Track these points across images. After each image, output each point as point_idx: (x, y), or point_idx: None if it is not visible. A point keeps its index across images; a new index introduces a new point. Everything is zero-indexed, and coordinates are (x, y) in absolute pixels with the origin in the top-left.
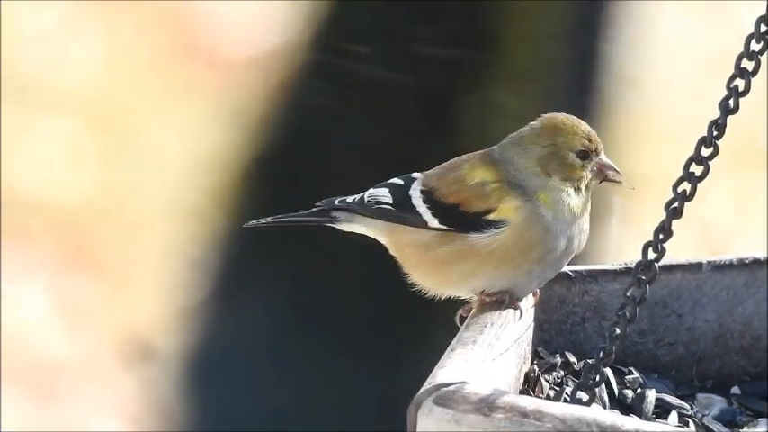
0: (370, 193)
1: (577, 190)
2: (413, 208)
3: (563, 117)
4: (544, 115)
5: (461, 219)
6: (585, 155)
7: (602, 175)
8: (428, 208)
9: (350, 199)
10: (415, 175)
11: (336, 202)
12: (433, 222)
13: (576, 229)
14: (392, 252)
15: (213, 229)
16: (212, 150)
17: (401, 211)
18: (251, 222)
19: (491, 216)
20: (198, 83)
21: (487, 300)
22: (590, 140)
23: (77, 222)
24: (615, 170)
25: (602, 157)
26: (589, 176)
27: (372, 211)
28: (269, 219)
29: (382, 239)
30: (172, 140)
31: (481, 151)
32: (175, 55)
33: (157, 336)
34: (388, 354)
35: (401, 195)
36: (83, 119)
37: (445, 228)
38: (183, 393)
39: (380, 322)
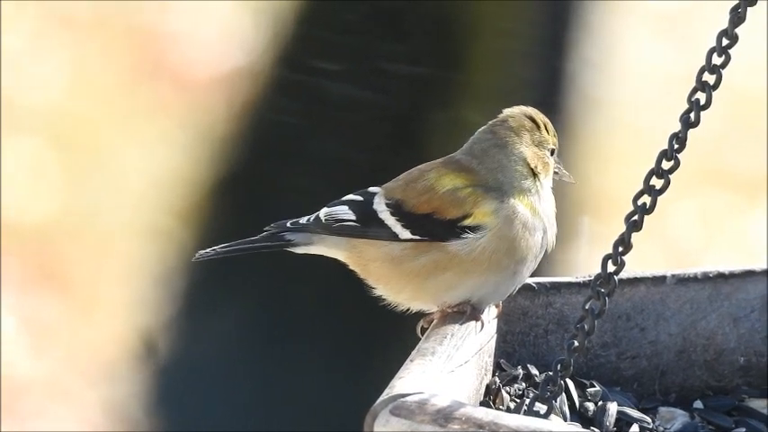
0: (327, 211)
1: (548, 188)
2: (381, 222)
3: (530, 111)
4: (507, 111)
5: (436, 227)
6: (553, 152)
7: (559, 174)
8: (397, 220)
9: (303, 220)
10: (372, 189)
11: (289, 224)
12: (405, 234)
13: (549, 223)
14: (355, 269)
15: (178, 248)
16: (177, 169)
17: (367, 227)
18: (200, 253)
19: (467, 221)
20: (163, 102)
21: (449, 311)
22: (555, 136)
23: (42, 241)
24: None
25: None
26: (556, 170)
27: (334, 229)
28: (218, 248)
29: (343, 257)
30: (137, 159)
31: (441, 159)
32: (140, 74)
33: (122, 354)
34: (355, 366)
35: (364, 211)
36: (48, 138)
37: (418, 238)
38: (148, 412)
39: (346, 335)
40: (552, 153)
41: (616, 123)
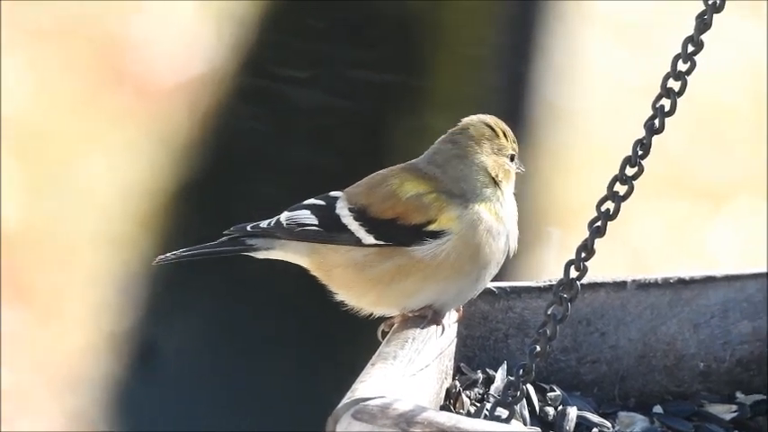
0: (288, 215)
1: (509, 194)
2: (344, 227)
3: (489, 120)
4: (466, 120)
5: (400, 233)
6: (513, 157)
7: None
8: (361, 225)
9: (264, 224)
10: (334, 193)
11: (249, 228)
12: (369, 239)
13: (511, 229)
14: (317, 274)
15: (141, 256)
16: (140, 177)
17: (330, 232)
18: (159, 258)
19: (432, 227)
20: (126, 110)
21: (410, 315)
22: (514, 141)
23: (5, 250)
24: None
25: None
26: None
27: (296, 233)
28: (178, 252)
29: (304, 262)
30: (100, 168)
31: (401, 165)
32: (103, 83)
33: (85, 365)
34: (316, 368)
35: (327, 215)
36: (9, 147)
37: (382, 243)
38: (112, 421)
39: (308, 336)
40: (512, 159)
41: (580, 132)
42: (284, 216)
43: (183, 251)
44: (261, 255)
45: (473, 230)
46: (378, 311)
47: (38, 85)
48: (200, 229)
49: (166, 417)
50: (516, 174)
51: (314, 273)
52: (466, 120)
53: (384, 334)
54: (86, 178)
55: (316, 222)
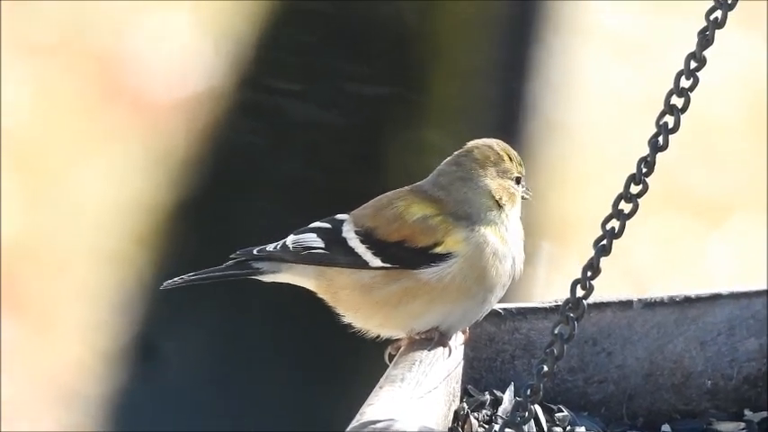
0: (294, 239)
1: (515, 217)
2: (351, 250)
3: (493, 143)
4: (471, 144)
5: (407, 255)
6: (519, 180)
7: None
8: (368, 248)
9: (270, 247)
10: (340, 216)
11: (255, 252)
12: (376, 262)
13: (517, 252)
14: (324, 297)
15: (137, 273)
16: (136, 193)
17: (336, 254)
18: (167, 283)
19: (438, 249)
20: (123, 126)
21: (417, 337)
22: (521, 165)
23: (2, 262)
24: (529, 193)
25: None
26: (521, 199)
27: (302, 256)
28: (185, 277)
29: (311, 285)
30: (96, 183)
31: (408, 187)
32: (100, 98)
33: (80, 379)
34: (321, 380)
35: (333, 238)
36: (7, 160)
37: (389, 266)
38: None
39: (312, 348)
40: (518, 181)
41: (575, 146)
42: (290, 239)
43: (191, 275)
44: (268, 278)
45: (479, 253)
46: (384, 333)
47: (35, 99)
48: (197, 245)
49: (165, 424)
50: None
51: (321, 296)
52: (471, 143)
53: (391, 357)
54: (83, 193)
55: (322, 245)
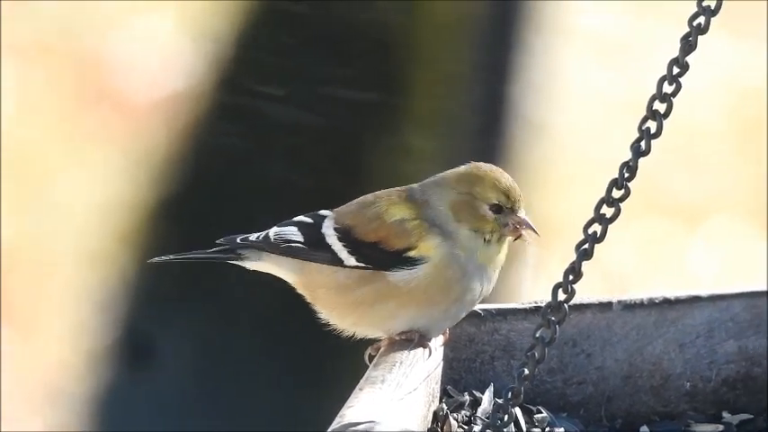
0: (276, 231)
1: (486, 241)
2: (327, 246)
3: (486, 168)
4: (472, 162)
5: (380, 257)
6: (499, 209)
7: (516, 233)
8: (344, 246)
9: (253, 236)
10: (323, 212)
11: (239, 240)
12: (350, 261)
13: (485, 275)
14: (303, 293)
15: (121, 273)
16: (119, 194)
17: (314, 250)
18: (155, 258)
19: (411, 253)
20: (105, 127)
21: (396, 338)
22: (507, 196)
23: None
24: (532, 229)
25: (521, 213)
26: (502, 230)
27: (282, 249)
28: (173, 256)
29: (290, 279)
30: (79, 184)
31: (399, 188)
32: (82, 100)
33: (66, 379)
34: (304, 385)
35: (313, 234)
36: None
37: (363, 266)
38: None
39: (293, 358)
40: (498, 210)
41: (557, 148)
42: (273, 231)
43: (178, 255)
44: (250, 265)
45: (447, 262)
46: (359, 333)
47: (17, 102)
48: (179, 244)
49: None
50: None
51: (300, 291)
52: (472, 162)
53: (371, 357)
54: (66, 194)
55: (301, 240)
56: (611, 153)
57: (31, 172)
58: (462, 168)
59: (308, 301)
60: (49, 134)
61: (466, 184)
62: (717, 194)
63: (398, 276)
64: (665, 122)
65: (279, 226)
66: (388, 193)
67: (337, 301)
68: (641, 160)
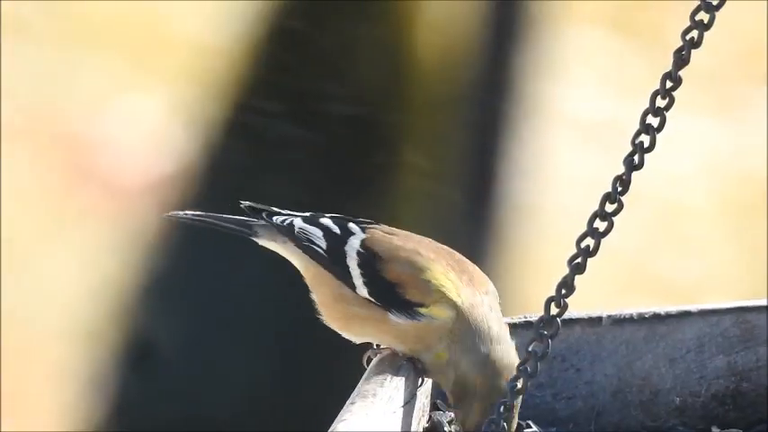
0: (302, 226)
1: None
2: (345, 266)
3: None
4: None
5: (392, 298)
6: None
7: None
8: (361, 273)
9: (279, 219)
10: (353, 227)
11: (263, 217)
12: (362, 291)
13: None
14: (306, 281)
15: (109, 351)
16: (108, 274)
17: (332, 262)
18: (171, 213)
19: (422, 310)
20: (93, 208)
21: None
22: None
23: None
24: None
25: None
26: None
27: (302, 245)
28: (189, 213)
29: (299, 266)
30: (67, 264)
31: (447, 252)
32: (70, 180)
33: None
34: (319, 374)
35: (336, 246)
36: None
37: (372, 300)
38: None
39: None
40: None
41: (545, 231)
42: (299, 223)
43: (195, 214)
44: (261, 242)
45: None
46: (346, 336)
47: (5, 181)
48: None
49: None
50: None
51: (304, 280)
52: None
53: (369, 360)
54: (53, 274)
55: (323, 247)
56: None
57: (18, 251)
58: None
59: (310, 288)
60: (36, 215)
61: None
62: (706, 277)
63: (398, 320)
64: (654, 205)
65: (305, 221)
66: (437, 250)
67: (334, 306)
68: (629, 243)
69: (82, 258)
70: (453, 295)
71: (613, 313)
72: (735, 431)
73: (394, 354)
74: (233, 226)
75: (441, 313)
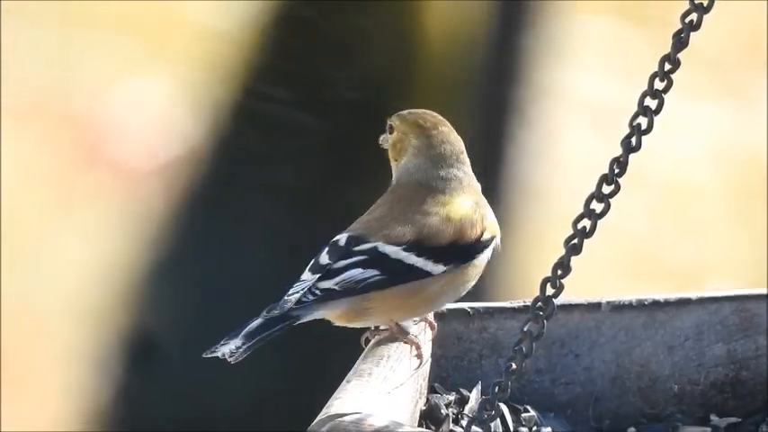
0: (338, 280)
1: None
2: (411, 267)
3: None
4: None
5: (462, 251)
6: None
7: None
8: (426, 259)
9: (296, 294)
10: (365, 246)
11: (288, 306)
12: (438, 269)
13: None
14: (343, 322)
15: (116, 331)
16: (114, 255)
17: (398, 275)
18: (209, 352)
19: (485, 236)
20: (100, 190)
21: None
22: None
23: None
24: None
25: None
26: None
27: (359, 290)
28: (233, 346)
29: (337, 314)
30: (74, 246)
31: (423, 191)
32: (78, 163)
33: None
34: (319, 371)
35: (387, 263)
36: None
37: (452, 266)
38: None
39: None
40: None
41: (552, 214)
42: (330, 283)
43: (237, 346)
44: (306, 319)
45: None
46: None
47: (12, 163)
48: (178, 302)
49: None
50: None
51: (339, 320)
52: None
53: (367, 341)
54: (60, 255)
55: (378, 273)
56: (603, 221)
57: (25, 234)
58: (407, 124)
59: (350, 324)
60: (44, 197)
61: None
62: (710, 260)
63: (481, 259)
64: (661, 189)
65: (323, 277)
66: (422, 197)
67: (402, 304)
68: (633, 227)
69: (89, 240)
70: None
71: (613, 299)
72: (733, 419)
73: (392, 335)
74: (277, 329)
75: (492, 225)
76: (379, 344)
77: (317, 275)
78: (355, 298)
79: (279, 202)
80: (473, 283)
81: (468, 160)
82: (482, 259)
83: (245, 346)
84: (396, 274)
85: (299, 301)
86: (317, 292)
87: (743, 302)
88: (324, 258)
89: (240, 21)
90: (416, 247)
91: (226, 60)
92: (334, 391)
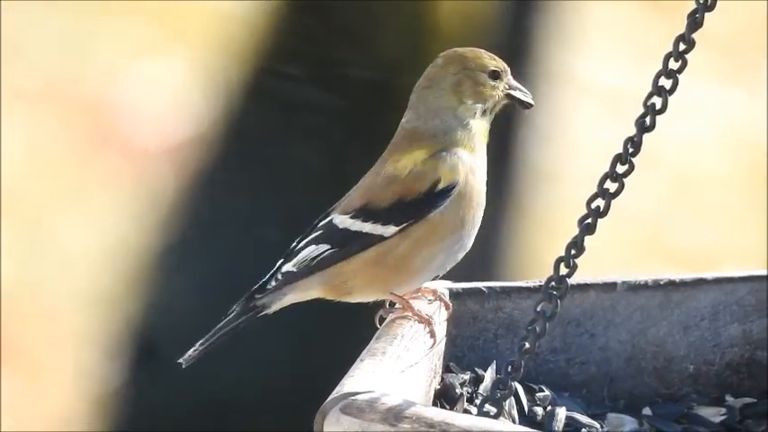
0: (294, 261)
1: (485, 112)
2: (359, 234)
3: (464, 48)
4: (442, 54)
5: (411, 207)
6: (497, 75)
7: (515, 97)
8: (373, 223)
9: (272, 283)
10: (323, 220)
11: (257, 297)
12: (390, 230)
13: (483, 162)
14: (330, 296)
15: (127, 317)
16: (126, 238)
17: (348, 245)
18: (185, 359)
19: (441, 185)
20: (112, 172)
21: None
22: (497, 62)
23: None
24: (522, 90)
25: (510, 78)
26: (500, 96)
27: (313, 267)
28: (199, 347)
29: (316, 293)
30: (85, 229)
31: (388, 148)
32: (90, 145)
33: (70, 424)
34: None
35: (335, 235)
36: None
37: (405, 224)
38: None
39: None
40: (495, 76)
41: (564, 197)
42: (290, 265)
43: (203, 344)
44: (275, 308)
45: (464, 176)
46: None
47: (24, 145)
48: (186, 287)
49: None
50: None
51: (328, 297)
52: (446, 51)
53: (381, 319)
54: (71, 238)
55: (328, 247)
56: (616, 204)
57: (36, 216)
58: (441, 59)
59: (339, 299)
60: (55, 179)
61: (458, 65)
62: (722, 243)
63: (439, 212)
64: (671, 172)
65: (290, 260)
66: (383, 159)
67: (376, 273)
68: (645, 210)
69: (101, 223)
70: (424, 154)
71: (628, 279)
72: (749, 400)
73: (406, 314)
74: (243, 319)
75: (451, 173)
76: (393, 322)
77: (282, 259)
78: (323, 275)
79: (292, 183)
80: (454, 237)
81: (476, 107)
82: (442, 210)
83: (204, 345)
84: (342, 244)
85: (263, 289)
86: (279, 276)
87: (759, 283)
88: (303, 243)
89: (254, 2)
90: (363, 212)
91: (239, 41)
92: (346, 373)
